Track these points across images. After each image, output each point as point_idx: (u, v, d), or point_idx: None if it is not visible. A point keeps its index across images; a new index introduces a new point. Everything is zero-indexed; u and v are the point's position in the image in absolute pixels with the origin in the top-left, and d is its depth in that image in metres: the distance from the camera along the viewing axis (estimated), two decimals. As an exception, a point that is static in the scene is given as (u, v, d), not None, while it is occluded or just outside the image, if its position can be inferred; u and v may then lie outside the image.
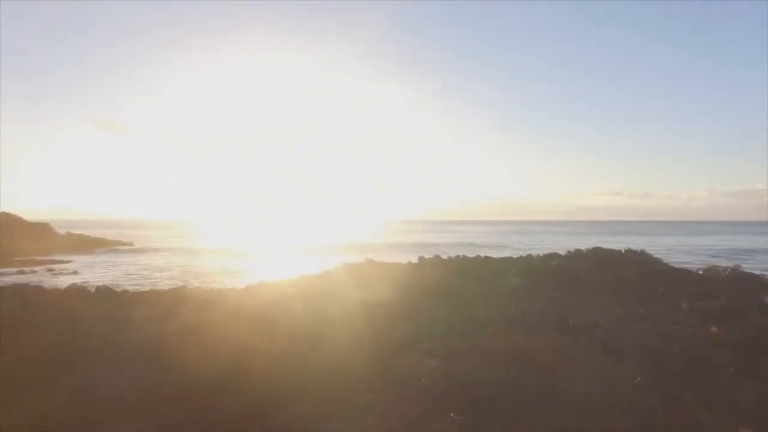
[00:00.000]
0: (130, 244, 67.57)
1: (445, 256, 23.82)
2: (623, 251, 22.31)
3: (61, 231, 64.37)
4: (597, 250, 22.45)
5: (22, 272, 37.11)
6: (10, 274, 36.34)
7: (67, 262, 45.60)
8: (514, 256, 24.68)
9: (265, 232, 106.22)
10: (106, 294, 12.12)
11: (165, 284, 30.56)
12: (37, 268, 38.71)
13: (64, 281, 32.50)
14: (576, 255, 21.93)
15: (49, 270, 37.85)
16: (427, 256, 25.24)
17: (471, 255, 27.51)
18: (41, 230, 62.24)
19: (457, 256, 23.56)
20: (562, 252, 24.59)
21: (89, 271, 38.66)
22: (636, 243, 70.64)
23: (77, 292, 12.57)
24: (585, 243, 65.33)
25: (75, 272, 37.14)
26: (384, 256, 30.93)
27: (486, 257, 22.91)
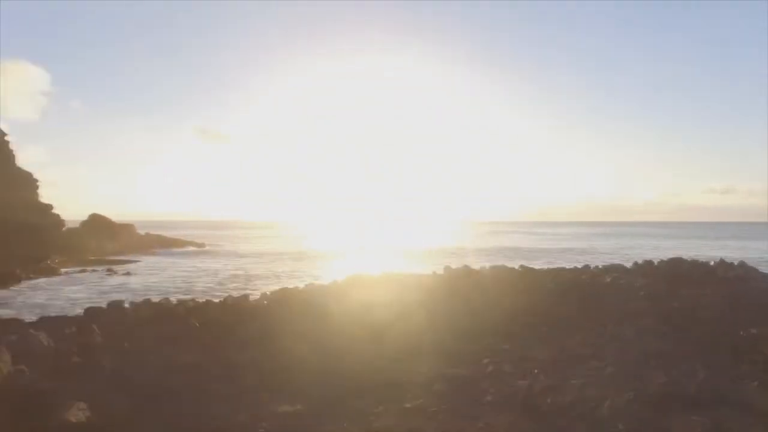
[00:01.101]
0: (202, 245, 70.13)
1: (501, 264, 20.10)
2: (713, 263, 16.77)
3: (142, 232, 68.45)
4: (675, 263, 17.14)
5: (84, 270, 38.76)
6: (72, 272, 38.11)
7: (133, 262, 47.42)
8: (569, 266, 20.21)
9: (356, 234, 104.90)
10: None
11: (200, 288, 29.93)
12: (99, 268, 40.24)
13: (109, 282, 33.13)
14: (644, 269, 16.91)
15: (108, 270, 39.06)
16: (500, 263, 21.88)
17: (543, 263, 23.60)
18: (124, 231, 66.50)
19: (494, 266, 19.64)
20: (634, 262, 19.53)
21: (144, 272, 39.44)
22: (744, 250, 58.87)
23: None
24: (677, 249, 56.08)
25: (128, 273, 37.94)
26: (462, 262, 28.33)
27: (527, 269, 18.67)
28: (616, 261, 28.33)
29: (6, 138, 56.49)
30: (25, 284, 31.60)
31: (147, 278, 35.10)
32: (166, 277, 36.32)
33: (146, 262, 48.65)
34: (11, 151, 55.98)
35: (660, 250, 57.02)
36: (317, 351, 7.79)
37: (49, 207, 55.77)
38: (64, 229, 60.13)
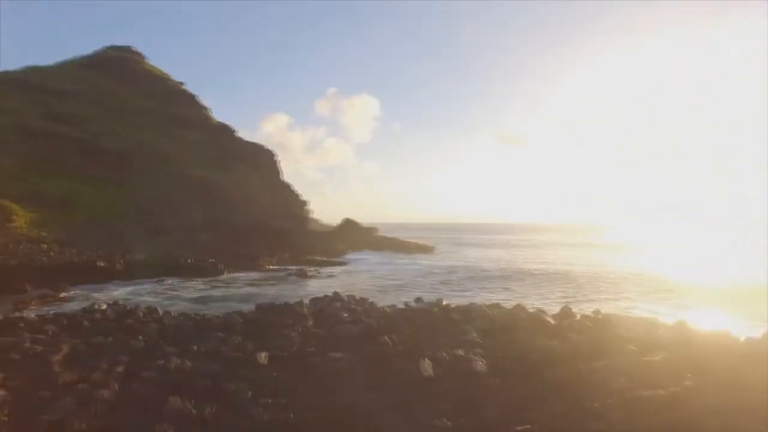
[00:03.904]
0: (430, 249, 70.89)
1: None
2: None
3: (378, 234, 74.57)
4: None
5: (281, 270, 44.15)
6: (274, 269, 44.00)
7: (341, 264, 51.46)
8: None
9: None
10: None
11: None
12: (294, 267, 45.07)
13: (263, 285, 36.34)
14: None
15: (299, 270, 43.20)
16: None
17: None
18: (365, 233, 74.05)
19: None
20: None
21: (324, 276, 41.80)
22: None
23: None
24: None
25: (305, 275, 40.88)
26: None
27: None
28: None
29: (276, 158, 70.98)
30: (218, 277, 38.24)
31: (308, 284, 36.90)
32: (338, 282, 37.39)
33: (354, 264, 52.06)
34: (278, 169, 69.95)
35: None
36: None
37: (299, 214, 67.05)
38: (323, 231, 71.35)
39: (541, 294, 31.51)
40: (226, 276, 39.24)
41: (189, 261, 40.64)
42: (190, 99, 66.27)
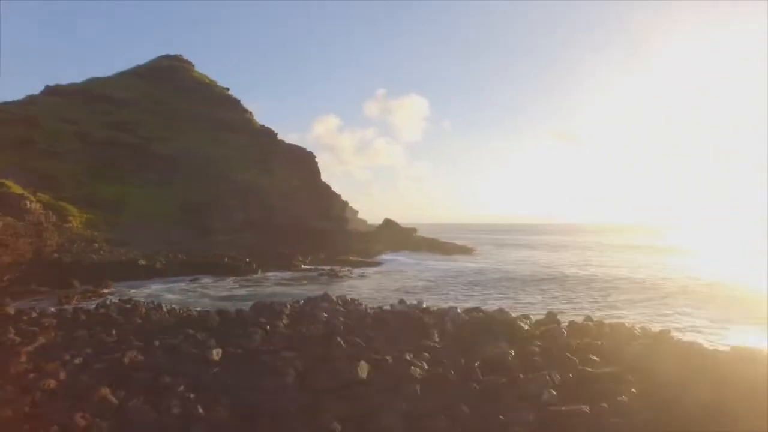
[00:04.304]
0: (469, 251, 69.80)
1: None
2: None
3: (417, 235, 74.27)
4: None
5: (314, 269, 45.07)
6: (301, 269, 45.00)
7: (374, 264, 51.78)
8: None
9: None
10: None
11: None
12: (327, 267, 45.86)
13: (289, 285, 37.17)
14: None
15: (331, 270, 43.94)
16: None
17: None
18: (402, 233, 73.98)
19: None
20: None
21: (354, 277, 42.25)
22: None
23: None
24: None
25: (338, 275, 41.48)
26: None
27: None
28: None
29: (316, 160, 72.33)
30: (251, 276, 39.64)
31: (337, 285, 37.36)
32: (369, 282, 37.68)
33: (388, 265, 52.19)
34: (318, 170, 71.27)
35: None
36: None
37: (339, 214, 67.99)
38: (362, 231, 72.11)
39: (568, 298, 30.21)
40: (258, 275, 40.64)
41: (225, 260, 42.45)
42: (235, 104, 69.35)
